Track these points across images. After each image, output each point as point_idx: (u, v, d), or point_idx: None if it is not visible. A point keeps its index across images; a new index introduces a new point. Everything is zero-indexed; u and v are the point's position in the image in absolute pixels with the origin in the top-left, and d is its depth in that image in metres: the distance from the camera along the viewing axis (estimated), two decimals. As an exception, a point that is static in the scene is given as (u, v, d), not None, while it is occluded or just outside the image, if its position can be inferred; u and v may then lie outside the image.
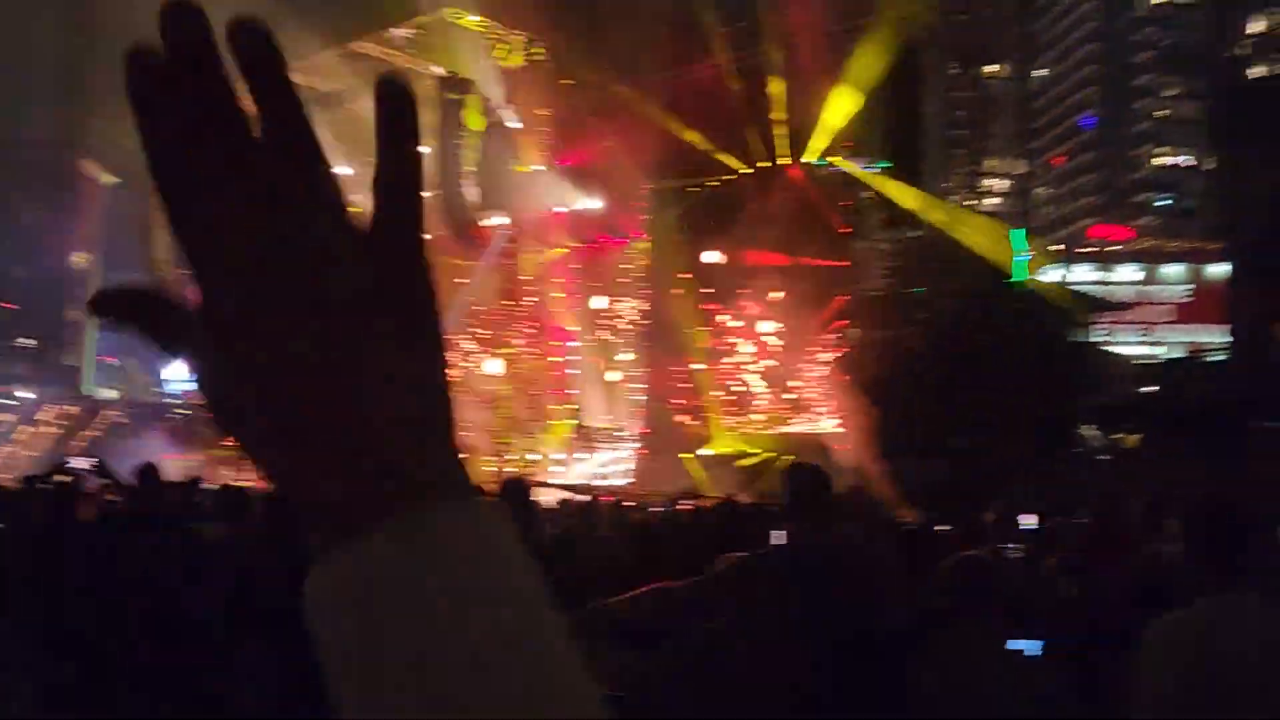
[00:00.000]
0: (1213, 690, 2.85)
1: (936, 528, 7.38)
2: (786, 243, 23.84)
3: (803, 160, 24.25)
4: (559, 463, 25.93)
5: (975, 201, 28.41)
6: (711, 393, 25.83)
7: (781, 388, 25.11)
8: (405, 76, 0.53)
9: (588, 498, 12.06)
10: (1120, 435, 22.03)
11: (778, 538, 5.58)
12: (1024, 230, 25.94)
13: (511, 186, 25.51)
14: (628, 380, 27.53)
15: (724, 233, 24.47)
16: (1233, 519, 3.09)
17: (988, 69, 33.64)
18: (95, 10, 45.97)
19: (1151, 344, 33.59)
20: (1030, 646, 3.67)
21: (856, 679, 3.26)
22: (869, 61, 22.34)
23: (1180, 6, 66.41)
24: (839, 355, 23.53)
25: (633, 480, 24.60)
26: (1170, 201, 58.31)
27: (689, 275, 26.20)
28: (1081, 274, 35.35)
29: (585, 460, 26.33)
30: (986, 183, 39.28)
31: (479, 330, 28.94)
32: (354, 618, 0.43)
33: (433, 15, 24.98)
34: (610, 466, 26.11)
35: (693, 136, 24.96)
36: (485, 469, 24.57)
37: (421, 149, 0.54)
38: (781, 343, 24.94)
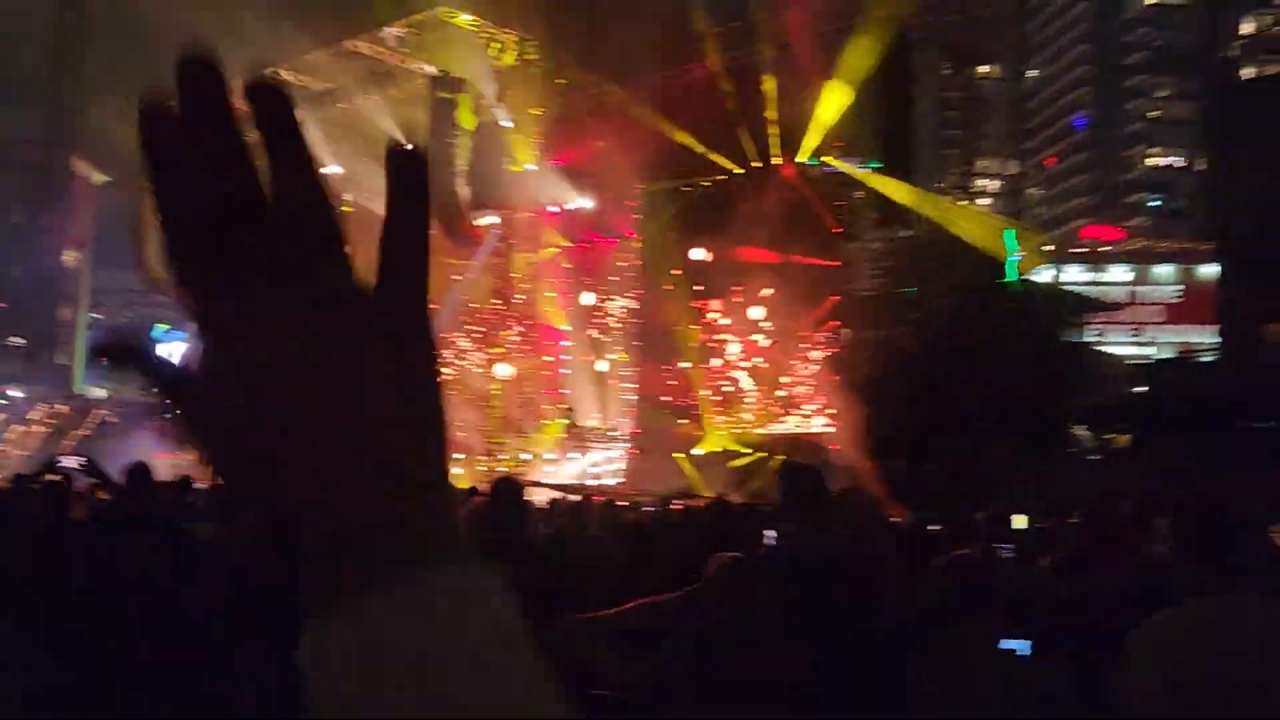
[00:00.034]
0: (1203, 690, 2.86)
1: (929, 527, 7.39)
2: (778, 242, 23.84)
3: (795, 160, 24.26)
4: (551, 462, 25.92)
5: (967, 202, 28.40)
6: (703, 392, 25.84)
7: (773, 387, 25.11)
8: (421, 147, 0.53)
9: (579, 497, 12.05)
10: (1111, 435, 22.09)
11: (771, 537, 5.59)
12: (1015, 230, 25.93)
13: (504, 185, 25.48)
14: (620, 379, 27.51)
15: (717, 232, 24.47)
16: (1223, 519, 3.10)
17: (981, 69, 33.65)
18: (87, 8, 45.87)
19: (1142, 344, 33.72)
20: (1021, 646, 3.68)
21: (856, 678, 3.26)
22: (861, 61, 22.35)
23: (1172, 7, 66.64)
24: (831, 354, 23.55)
25: (624, 480, 24.59)
26: (1161, 202, 58.50)
27: (679, 272, 26.20)
28: (1073, 274, 35.50)
29: (577, 460, 26.32)
30: (979, 183, 39.31)
31: (473, 328, 28.90)
32: (353, 682, 0.44)
33: (425, 14, 24.94)
34: (602, 466, 26.11)
35: (685, 136, 24.96)
36: (478, 469, 24.55)
37: (428, 217, 0.54)
38: (773, 341, 24.94)
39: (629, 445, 26.40)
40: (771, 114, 24.28)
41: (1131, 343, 33.55)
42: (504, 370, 26.20)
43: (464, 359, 29.43)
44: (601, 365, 27.52)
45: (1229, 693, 2.82)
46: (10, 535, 6.06)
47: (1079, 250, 38.16)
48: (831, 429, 22.62)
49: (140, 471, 6.07)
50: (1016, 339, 20.88)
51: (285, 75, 28.05)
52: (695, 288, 26.14)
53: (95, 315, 53.51)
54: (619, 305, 27.65)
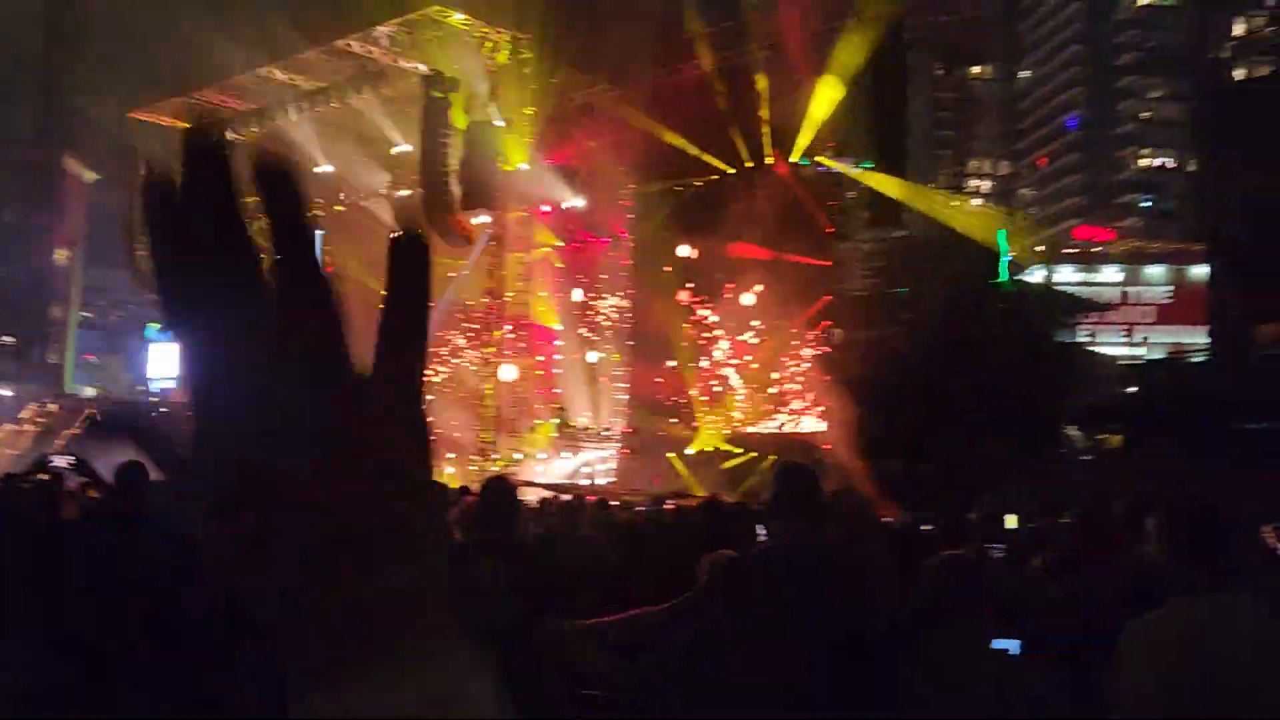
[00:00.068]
0: (1194, 690, 2.85)
1: (921, 527, 7.40)
2: (771, 241, 23.84)
3: (788, 160, 24.26)
4: (543, 462, 25.89)
5: (960, 202, 28.45)
6: (692, 391, 25.84)
7: (764, 386, 25.11)
8: (423, 236, 0.53)
9: (570, 497, 12.04)
10: (1103, 436, 22.14)
11: (761, 535, 5.59)
12: (1006, 230, 25.98)
13: (496, 185, 25.43)
14: (612, 379, 27.50)
15: (709, 232, 24.46)
16: (1214, 520, 3.10)
17: (973, 70, 33.77)
18: (78, 7, 45.75)
19: (1134, 345, 33.83)
20: (1011, 646, 3.68)
21: (850, 678, 3.26)
22: (853, 59, 22.35)
23: (1163, 9, 66.86)
24: (823, 354, 23.56)
25: (615, 479, 24.57)
26: (1153, 203, 58.67)
27: (670, 269, 26.18)
28: (1066, 275, 35.59)
29: (569, 459, 26.31)
30: (971, 183, 39.42)
31: (468, 325, 28.87)
32: None
33: (418, 13, 24.88)
34: (595, 466, 26.10)
35: (678, 136, 24.94)
36: (470, 468, 24.51)
37: (429, 297, 0.53)
38: (764, 340, 24.94)
39: (621, 445, 26.39)
40: (764, 113, 24.28)
41: (1123, 343, 33.65)
42: (507, 372, 26.17)
43: (459, 356, 29.41)
44: (593, 363, 27.52)
45: (1221, 693, 2.82)
46: (2, 535, 6.04)
47: (1071, 251, 38.25)
48: (823, 428, 22.64)
49: (131, 471, 6.05)
50: (1009, 339, 20.91)
51: (278, 74, 28.05)
52: (687, 284, 26.13)
53: (86, 314, 53.41)
54: (611, 304, 27.65)
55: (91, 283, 52.23)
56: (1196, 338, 28.84)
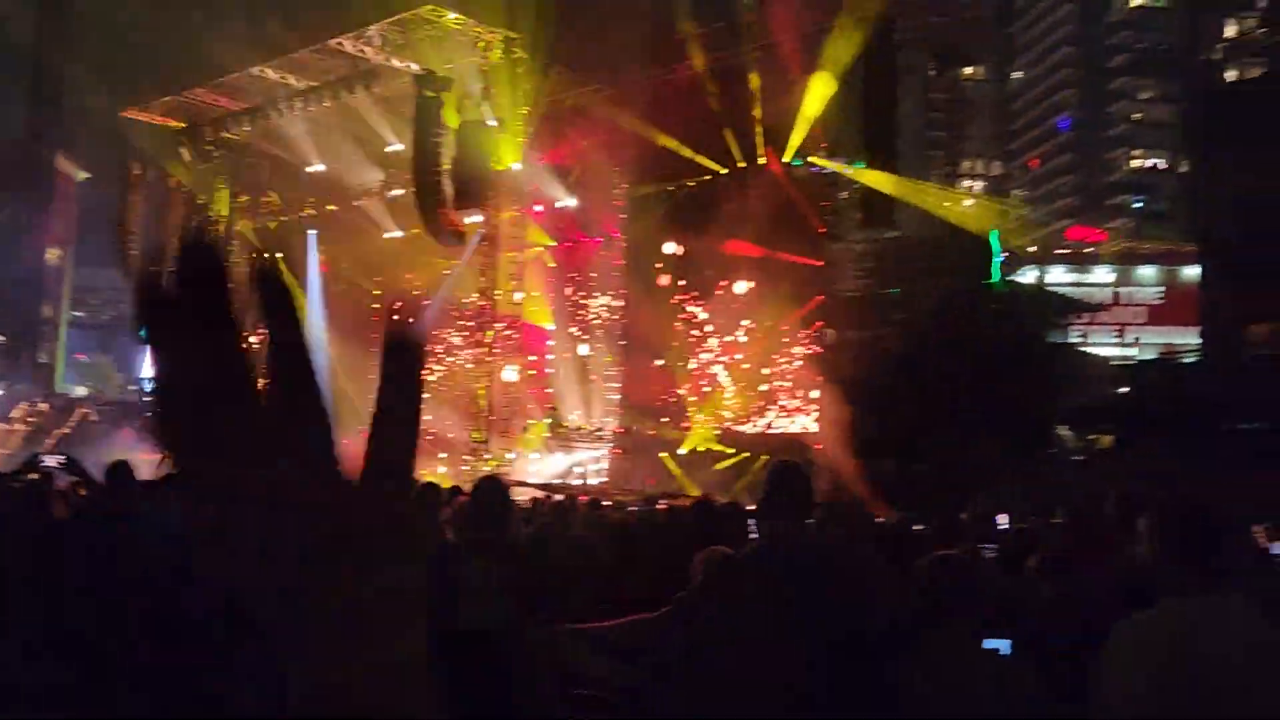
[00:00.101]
0: (1183, 691, 2.85)
1: (914, 527, 7.40)
2: (763, 241, 23.86)
3: (781, 160, 24.27)
4: (535, 462, 25.88)
5: (952, 202, 28.48)
6: (681, 390, 25.84)
7: (756, 384, 25.11)
8: (419, 334, 0.55)
9: (562, 497, 12.03)
10: (1094, 436, 22.18)
11: (753, 532, 5.58)
12: (998, 231, 26.02)
13: (489, 184, 25.41)
14: (604, 379, 27.49)
15: (702, 232, 24.46)
16: (1205, 520, 3.10)
17: (966, 70, 33.72)
18: (70, 6, 45.61)
19: (1125, 345, 33.90)
20: (1002, 645, 3.67)
21: (848, 678, 3.26)
22: (847, 62, 22.36)
23: (1155, 11, 67.04)
24: (816, 355, 23.57)
25: (608, 479, 24.57)
26: (1144, 204, 58.81)
27: (661, 266, 26.18)
28: (1057, 275, 35.65)
29: (561, 459, 26.29)
30: (964, 184, 39.42)
31: (463, 322, 28.87)
32: None
33: (411, 12, 24.86)
34: (587, 465, 26.09)
35: (671, 136, 24.94)
36: (462, 468, 24.49)
37: (423, 390, 0.54)
38: (756, 340, 24.94)
39: (613, 445, 26.37)
40: (757, 114, 24.29)
41: (1115, 344, 33.73)
42: (509, 374, 26.19)
43: (454, 355, 29.41)
44: (586, 363, 27.51)
45: (1213, 694, 2.82)
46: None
47: (1063, 251, 38.31)
48: (816, 428, 22.65)
49: (121, 470, 6.03)
50: (1001, 340, 20.94)
51: (270, 73, 28.00)
52: (679, 281, 26.12)
53: (77, 313, 53.27)
54: (602, 303, 27.64)
55: (82, 282, 52.10)
56: (1188, 338, 28.91)
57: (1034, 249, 38.36)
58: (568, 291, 27.99)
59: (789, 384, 24.56)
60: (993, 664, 3.46)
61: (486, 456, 25.19)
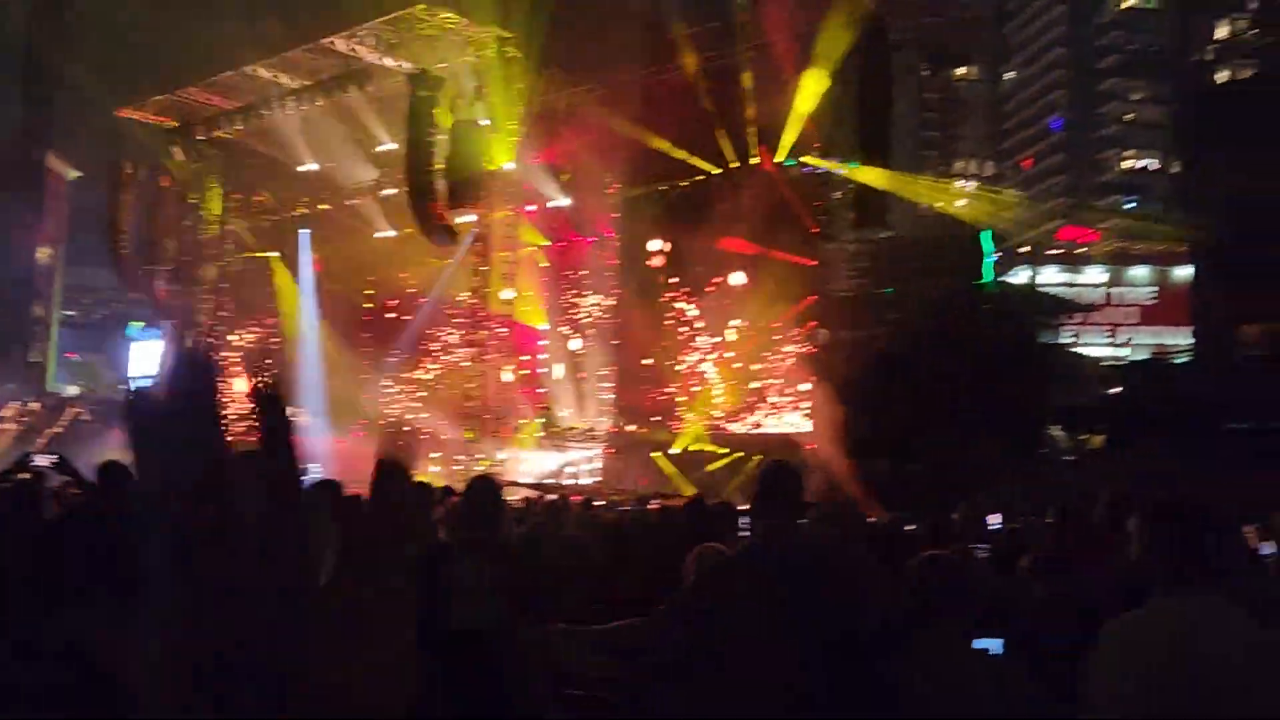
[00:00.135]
0: (1183, 691, 2.85)
1: (905, 527, 7.41)
2: (756, 241, 23.88)
3: (774, 160, 24.28)
4: (528, 461, 25.86)
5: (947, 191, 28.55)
6: (677, 388, 25.84)
7: (748, 384, 25.11)
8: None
9: (555, 496, 12.03)
10: (1086, 436, 22.22)
11: (745, 530, 5.59)
12: (992, 231, 26.05)
13: (482, 183, 25.40)
14: (596, 378, 27.48)
15: (694, 231, 24.46)
16: (1195, 520, 3.10)
17: (959, 71, 33.81)
18: (62, 4, 45.48)
19: (1117, 345, 33.95)
20: (993, 645, 3.68)
21: (846, 678, 3.26)
22: (840, 62, 22.38)
23: (1146, 12, 67.20)
24: (809, 354, 23.58)
25: (600, 479, 24.55)
26: (1136, 204, 58.83)
27: (653, 264, 26.17)
28: (1050, 275, 35.69)
29: (552, 457, 26.27)
30: (957, 184, 39.50)
31: (459, 319, 28.87)
32: None
33: (404, 11, 24.83)
34: (579, 465, 26.07)
35: (664, 136, 24.93)
36: (455, 467, 24.48)
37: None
38: (747, 338, 24.93)
39: (606, 444, 26.36)
40: (750, 114, 24.29)
41: (1107, 344, 33.77)
42: (502, 374, 26.20)
43: (451, 353, 29.39)
44: (578, 362, 27.50)
45: (1213, 695, 2.82)
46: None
47: (1055, 251, 38.36)
48: (807, 427, 22.66)
49: (113, 470, 6.02)
50: (994, 340, 20.97)
51: (263, 72, 27.94)
52: (670, 279, 26.10)
53: (68, 313, 53.13)
54: (596, 304, 27.63)
55: (74, 281, 51.95)
56: (1179, 339, 28.97)
57: (1026, 249, 38.41)
58: (561, 291, 27.98)
59: (780, 382, 24.57)
60: (984, 664, 3.46)
61: (479, 456, 25.17)
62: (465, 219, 26.45)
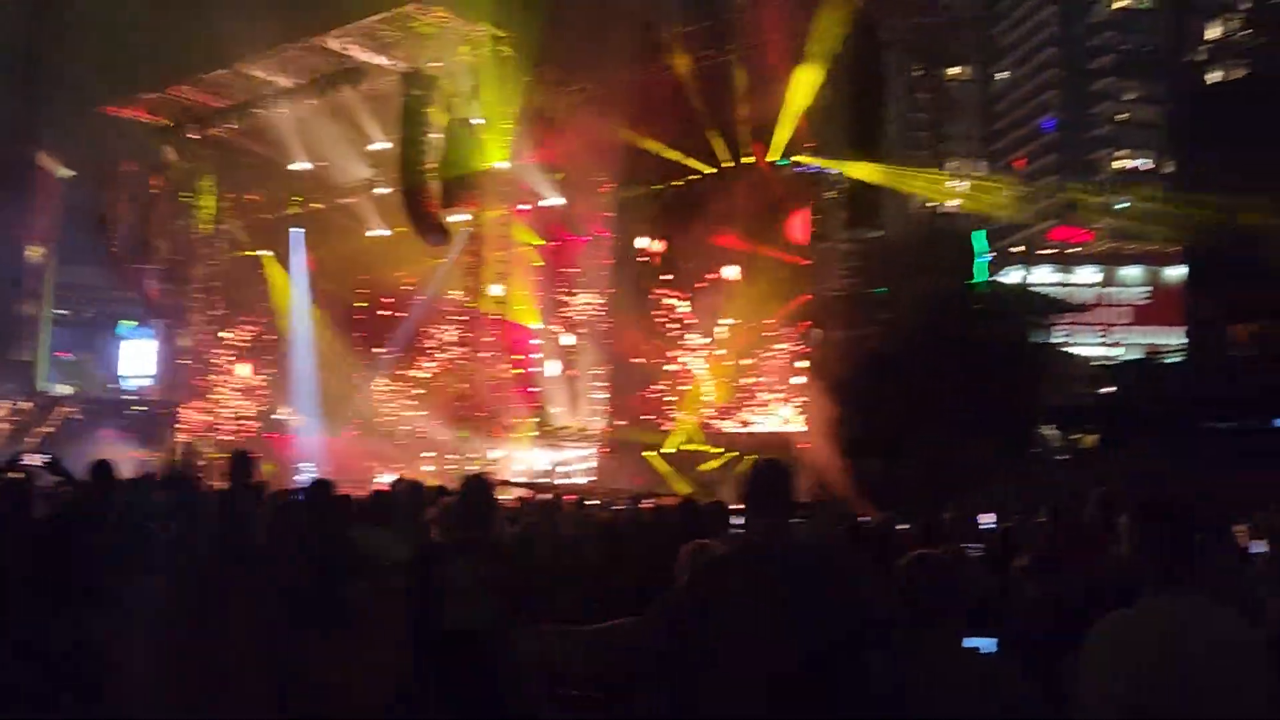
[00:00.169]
0: (1173, 690, 2.86)
1: (897, 527, 7.42)
2: (749, 239, 23.88)
3: (766, 160, 24.28)
4: (521, 461, 25.84)
5: (937, 203, 28.55)
6: (668, 385, 25.83)
7: (740, 384, 25.10)
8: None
9: (549, 496, 12.02)
10: (1078, 436, 22.26)
11: (737, 528, 5.59)
12: (985, 231, 26.11)
13: (475, 183, 25.37)
14: (590, 377, 27.45)
15: (687, 230, 24.45)
16: (1184, 520, 3.11)
17: (950, 71, 33.75)
18: (52, 2, 45.30)
19: (1109, 345, 34.05)
20: (985, 644, 3.68)
21: (843, 677, 3.26)
22: (832, 61, 22.38)
23: (1138, 12, 67.34)
24: (802, 354, 23.58)
25: (595, 478, 24.53)
26: (1129, 204, 58.93)
27: (646, 261, 26.16)
28: (1042, 275, 35.80)
29: (547, 458, 26.24)
30: (948, 184, 39.54)
31: (447, 323, 28.84)
32: None
33: (397, 10, 24.79)
34: (574, 465, 26.05)
35: (658, 135, 24.91)
36: (448, 467, 24.46)
37: None
38: (739, 336, 24.92)
39: (600, 444, 26.33)
40: (743, 113, 24.29)
41: (1099, 343, 33.87)
42: (495, 373, 26.20)
43: (446, 351, 29.36)
44: (572, 363, 27.47)
45: (1200, 694, 2.83)
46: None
47: (1047, 251, 38.46)
48: (798, 426, 22.67)
49: (103, 469, 6.01)
50: (986, 339, 20.99)
51: (255, 70, 27.88)
52: (663, 276, 26.08)
53: (60, 311, 52.91)
54: (590, 303, 27.61)
55: (65, 280, 51.69)
56: (1171, 339, 29.05)
57: (1019, 249, 38.53)
58: (554, 291, 27.95)
59: (771, 379, 24.58)
60: (976, 663, 3.47)
61: (472, 456, 25.15)
62: (459, 218, 26.42)
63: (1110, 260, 36.94)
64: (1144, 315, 34.86)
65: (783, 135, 23.72)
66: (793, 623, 3.31)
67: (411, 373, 30.17)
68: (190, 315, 32.78)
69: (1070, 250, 38.22)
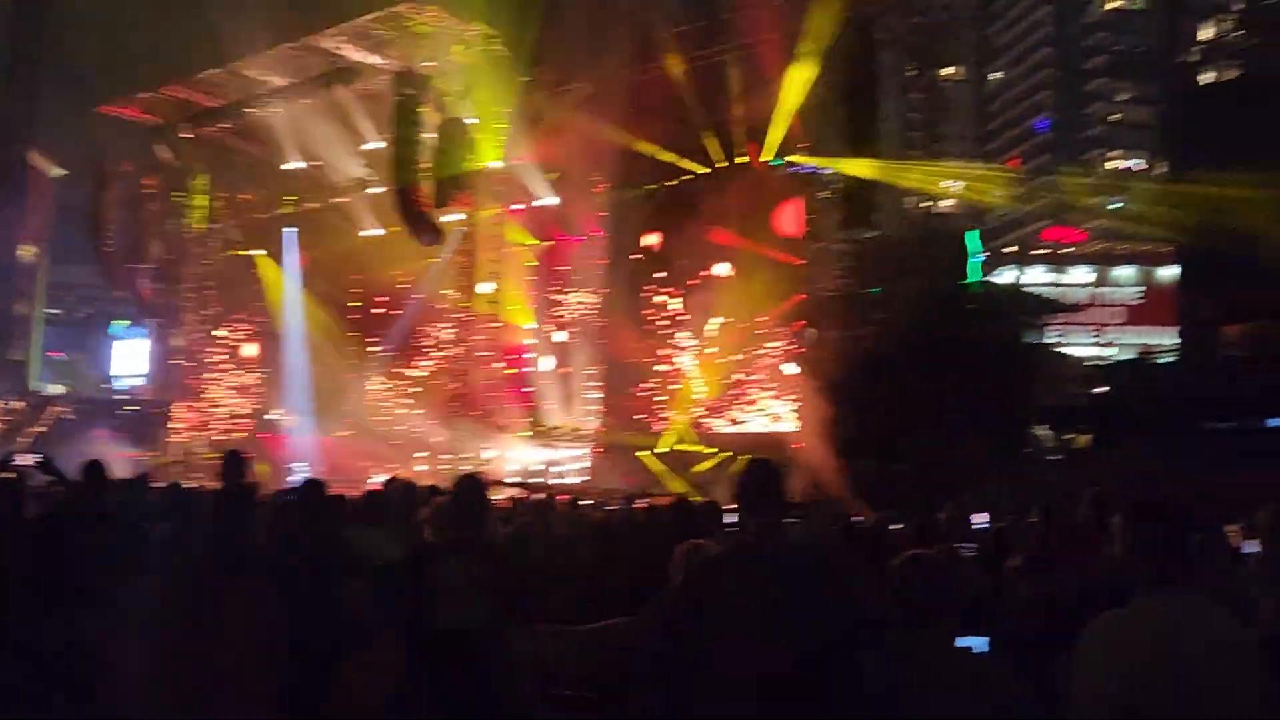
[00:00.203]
0: (1167, 690, 2.87)
1: (890, 526, 7.42)
2: (743, 238, 23.88)
3: (760, 159, 24.29)
4: (514, 460, 25.83)
5: (931, 204, 28.60)
6: (660, 383, 25.83)
7: (732, 383, 25.09)
8: None
9: (543, 496, 12.02)
10: (1071, 436, 22.29)
11: (730, 527, 5.59)
12: (978, 231, 26.11)
13: (468, 182, 25.36)
14: (583, 377, 27.44)
15: (681, 230, 24.45)
16: (1176, 520, 3.12)
17: (944, 71, 33.77)
18: (44, 1, 45.21)
19: (1102, 345, 34.11)
20: (978, 644, 3.69)
21: (833, 675, 3.26)
22: (826, 61, 22.40)
23: (1131, 13, 67.50)
24: (796, 354, 23.59)
25: (588, 479, 24.53)
26: (1122, 204, 59.06)
27: (640, 259, 26.16)
28: (1035, 275, 35.85)
29: (540, 458, 26.23)
30: (942, 184, 39.61)
31: (440, 323, 28.82)
32: None
33: (389, 10, 24.78)
34: (567, 465, 26.03)
35: (652, 135, 24.90)
36: (441, 467, 24.44)
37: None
38: (731, 335, 24.91)
39: (594, 444, 26.33)
40: (738, 113, 24.29)
41: (1092, 343, 33.93)
42: (488, 373, 26.20)
43: (433, 354, 29.34)
44: (565, 363, 27.46)
45: (1178, 694, 2.84)
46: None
47: (1040, 251, 38.52)
48: (791, 426, 22.67)
49: (95, 469, 6.00)
50: (980, 339, 21.01)
51: (248, 70, 27.84)
52: (655, 274, 26.07)
53: (52, 311, 52.81)
54: (583, 303, 27.60)
55: (57, 279, 51.61)
56: (1165, 339, 29.10)
57: (1013, 249, 38.58)
58: (547, 290, 27.93)
59: (763, 378, 24.58)
60: (968, 662, 3.47)
61: (465, 455, 25.14)
62: (452, 218, 26.40)
63: (1103, 260, 37.01)
64: (1137, 315, 34.93)
65: (777, 135, 23.74)
66: (786, 623, 3.31)
67: (405, 372, 30.14)
68: (183, 315, 32.73)
69: (1063, 250, 38.28)
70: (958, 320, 21.51)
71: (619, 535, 7.42)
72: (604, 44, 24.00)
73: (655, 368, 25.98)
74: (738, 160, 24.51)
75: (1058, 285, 35.20)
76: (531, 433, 26.50)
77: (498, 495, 12.15)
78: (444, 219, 25.87)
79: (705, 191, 24.33)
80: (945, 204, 29.94)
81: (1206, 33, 53.06)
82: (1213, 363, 22.88)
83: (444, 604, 4.04)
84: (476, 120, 25.31)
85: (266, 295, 31.53)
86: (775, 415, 24.26)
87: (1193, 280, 25.98)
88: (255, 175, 31.36)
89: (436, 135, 24.81)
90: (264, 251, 31.64)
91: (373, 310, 30.91)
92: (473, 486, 4.69)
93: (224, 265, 32.72)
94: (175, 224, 32.30)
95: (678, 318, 25.95)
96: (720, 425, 24.77)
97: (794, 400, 23.16)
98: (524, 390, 27.24)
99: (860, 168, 22.27)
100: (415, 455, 26.43)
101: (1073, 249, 38.49)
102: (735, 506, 3.77)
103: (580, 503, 12.34)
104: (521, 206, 27.37)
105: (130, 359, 41.04)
